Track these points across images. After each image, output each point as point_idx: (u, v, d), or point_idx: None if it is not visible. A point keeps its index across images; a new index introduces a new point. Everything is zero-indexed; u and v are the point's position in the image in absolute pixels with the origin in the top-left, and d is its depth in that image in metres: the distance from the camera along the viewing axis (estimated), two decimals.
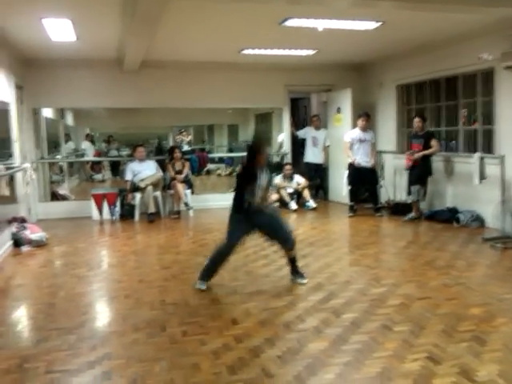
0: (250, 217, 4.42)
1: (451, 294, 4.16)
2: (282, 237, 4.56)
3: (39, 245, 6.22)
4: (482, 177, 6.31)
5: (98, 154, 10.72)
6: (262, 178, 4.44)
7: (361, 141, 7.86)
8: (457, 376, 2.74)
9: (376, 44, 7.42)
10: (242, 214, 4.43)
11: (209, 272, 4.45)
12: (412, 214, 7.32)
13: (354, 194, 8.02)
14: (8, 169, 6.20)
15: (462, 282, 4.48)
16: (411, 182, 7.32)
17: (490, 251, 5.54)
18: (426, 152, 7.12)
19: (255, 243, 6.10)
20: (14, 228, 6.27)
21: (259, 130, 4.57)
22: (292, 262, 4.63)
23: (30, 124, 8.13)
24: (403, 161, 7.51)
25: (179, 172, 8.45)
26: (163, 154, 9.35)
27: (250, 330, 3.47)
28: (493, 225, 6.47)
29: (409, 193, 7.43)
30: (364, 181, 7.99)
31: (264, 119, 11.27)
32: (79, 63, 8.09)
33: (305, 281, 4.53)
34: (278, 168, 9.63)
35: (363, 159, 7.84)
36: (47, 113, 9.17)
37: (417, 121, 7.29)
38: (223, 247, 4.44)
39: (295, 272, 4.61)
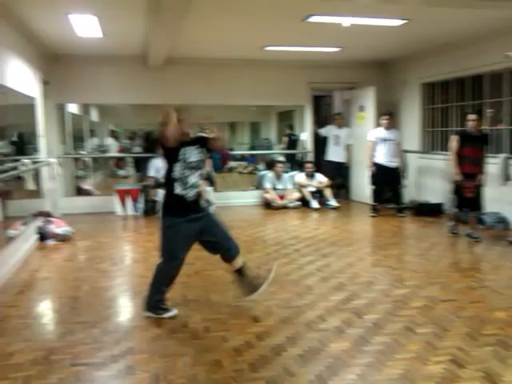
0: (190, 218, 3.61)
1: (476, 296, 4.11)
2: (225, 244, 3.75)
3: (64, 239, 6.32)
4: (507, 178, 6.21)
5: (121, 150, 10.82)
6: (190, 156, 3.60)
7: (384, 140, 7.75)
8: (481, 380, 2.71)
9: (401, 41, 7.36)
10: (177, 215, 3.62)
11: (155, 302, 3.69)
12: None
13: (376, 194, 7.95)
14: (34, 163, 6.30)
15: (486, 284, 4.42)
16: (479, 203, 6.01)
17: None
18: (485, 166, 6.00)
19: (275, 242, 6.13)
20: (39, 222, 6.38)
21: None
22: (241, 272, 3.81)
23: (55, 119, 8.26)
24: (467, 192, 5.95)
25: None
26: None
27: (271, 328, 3.48)
28: None
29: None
30: (387, 181, 7.90)
31: (286, 117, 11.24)
32: (104, 59, 8.20)
33: (255, 296, 3.80)
34: (299, 166, 9.65)
35: (387, 159, 7.75)
36: (72, 108, 9.28)
37: (473, 118, 5.89)
38: (165, 268, 3.70)
39: (248, 284, 3.81)
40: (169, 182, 3.64)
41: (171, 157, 3.60)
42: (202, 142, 3.70)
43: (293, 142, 10.41)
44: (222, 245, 3.75)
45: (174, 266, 3.72)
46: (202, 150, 3.69)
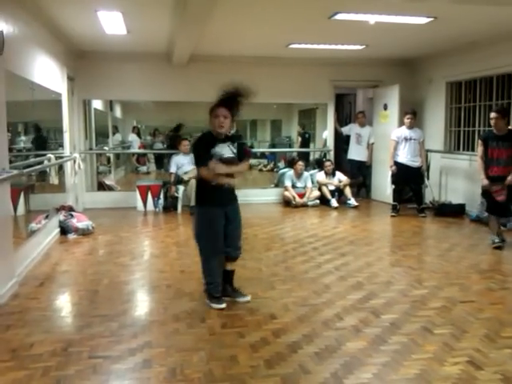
0: (221, 205, 3.83)
1: (495, 298, 4.05)
2: (238, 241, 3.93)
3: (85, 233, 6.42)
4: None
5: (143, 146, 10.95)
6: (223, 150, 3.84)
7: (407, 139, 7.67)
8: (499, 383, 2.67)
9: (426, 39, 7.26)
10: (206, 204, 3.84)
11: (211, 288, 3.89)
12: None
13: (397, 194, 7.87)
14: (58, 158, 6.39)
15: (507, 286, 4.35)
16: (509, 207, 5.62)
17: None
18: None
19: (294, 240, 6.13)
20: (61, 216, 6.48)
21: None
22: (231, 275, 4.01)
23: (79, 115, 8.38)
24: (496, 196, 5.52)
25: None
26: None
27: (288, 326, 3.48)
28: None
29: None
30: (409, 180, 7.82)
31: (308, 115, 11.21)
32: (129, 56, 8.29)
33: (247, 298, 3.98)
34: (318, 164, 9.61)
35: (409, 158, 7.66)
36: (96, 104, 9.41)
37: (495, 117, 5.47)
38: (201, 256, 3.90)
39: (233, 289, 4.03)
40: None
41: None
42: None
43: (306, 141, 10.38)
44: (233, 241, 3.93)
45: (202, 253, 3.95)
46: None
